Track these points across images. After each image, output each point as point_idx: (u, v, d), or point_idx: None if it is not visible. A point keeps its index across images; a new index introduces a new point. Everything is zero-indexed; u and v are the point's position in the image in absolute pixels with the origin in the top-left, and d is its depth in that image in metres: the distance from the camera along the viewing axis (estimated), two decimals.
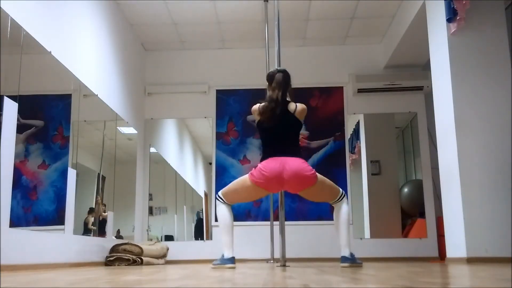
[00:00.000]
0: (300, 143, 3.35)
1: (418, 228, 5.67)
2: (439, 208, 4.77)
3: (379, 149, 5.98)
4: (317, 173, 3.17)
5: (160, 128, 6.13)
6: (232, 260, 3.17)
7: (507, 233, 3.55)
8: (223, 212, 3.27)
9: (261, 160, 3.22)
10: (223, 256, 3.19)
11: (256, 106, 3.31)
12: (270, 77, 3.35)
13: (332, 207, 3.38)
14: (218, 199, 3.30)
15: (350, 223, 3.33)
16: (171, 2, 5.08)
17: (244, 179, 3.23)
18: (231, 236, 3.24)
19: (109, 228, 4.75)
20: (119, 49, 5.14)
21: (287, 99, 3.32)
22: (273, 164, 3.11)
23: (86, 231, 4.24)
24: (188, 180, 6.37)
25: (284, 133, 3.23)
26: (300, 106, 3.29)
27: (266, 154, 3.20)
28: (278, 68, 3.48)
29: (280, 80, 3.27)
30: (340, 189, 3.32)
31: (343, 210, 3.29)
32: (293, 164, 3.10)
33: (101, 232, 4.58)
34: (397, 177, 5.94)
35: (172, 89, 6.04)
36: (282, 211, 3.83)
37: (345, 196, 3.33)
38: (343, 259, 3.22)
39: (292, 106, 3.27)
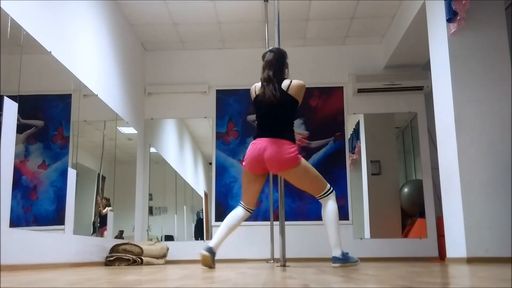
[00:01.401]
0: (293, 124, 3.22)
1: (418, 228, 5.67)
2: (439, 208, 4.77)
3: (379, 149, 5.98)
4: (301, 158, 3.13)
5: (160, 128, 6.13)
6: (208, 249, 3.05)
7: (507, 233, 3.55)
8: (233, 211, 3.30)
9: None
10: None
11: (253, 86, 3.32)
12: (262, 57, 3.31)
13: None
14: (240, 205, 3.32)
15: (338, 220, 3.19)
16: (171, 2, 5.08)
17: (243, 171, 3.31)
18: (223, 234, 3.20)
19: (109, 227, 4.75)
20: (119, 49, 5.14)
21: (285, 76, 3.24)
22: (255, 145, 3.14)
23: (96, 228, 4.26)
24: (188, 180, 6.37)
25: (274, 113, 3.15)
26: (296, 82, 3.16)
27: (255, 135, 3.22)
28: (272, 47, 3.40)
29: (269, 59, 3.22)
30: (328, 185, 3.22)
31: (329, 207, 3.17)
32: (275, 144, 3.07)
33: (102, 227, 4.59)
34: (397, 177, 5.93)
35: (172, 89, 6.04)
36: (282, 211, 3.83)
37: (333, 192, 3.22)
38: (334, 259, 3.12)
39: (285, 83, 3.16)
